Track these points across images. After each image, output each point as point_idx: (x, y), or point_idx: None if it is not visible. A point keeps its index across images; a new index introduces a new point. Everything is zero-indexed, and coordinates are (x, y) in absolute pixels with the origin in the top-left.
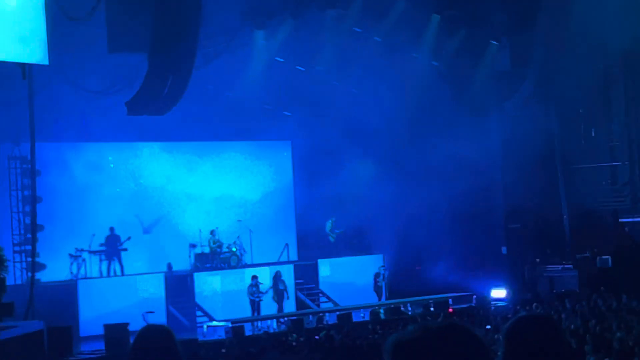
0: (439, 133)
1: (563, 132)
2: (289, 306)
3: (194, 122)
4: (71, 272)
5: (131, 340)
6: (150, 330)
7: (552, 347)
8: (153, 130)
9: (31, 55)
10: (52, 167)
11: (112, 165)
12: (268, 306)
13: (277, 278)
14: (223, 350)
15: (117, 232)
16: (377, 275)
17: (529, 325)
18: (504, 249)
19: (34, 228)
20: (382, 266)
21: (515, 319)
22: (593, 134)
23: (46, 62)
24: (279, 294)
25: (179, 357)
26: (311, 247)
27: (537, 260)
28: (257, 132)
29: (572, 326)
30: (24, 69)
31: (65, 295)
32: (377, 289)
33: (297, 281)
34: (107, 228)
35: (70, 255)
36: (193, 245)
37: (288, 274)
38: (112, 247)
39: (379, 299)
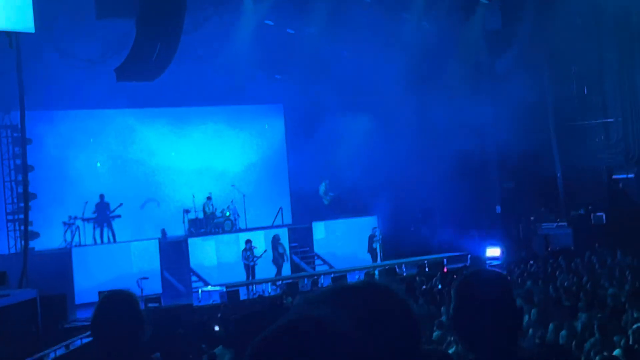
0: (431, 93)
1: (556, 90)
2: (284, 270)
3: (183, 88)
4: (65, 240)
5: None
6: (114, 295)
7: (500, 304)
8: (143, 97)
9: (17, 23)
10: (43, 135)
11: (91, 140)
12: (265, 270)
13: (275, 242)
14: (219, 315)
15: (107, 199)
16: (371, 236)
17: (479, 281)
18: (498, 208)
19: (27, 197)
20: (376, 227)
21: (466, 273)
22: (586, 92)
23: (32, 30)
24: (278, 258)
25: (142, 322)
26: (305, 210)
27: (532, 218)
28: (249, 96)
29: (566, 283)
30: (10, 38)
31: (60, 263)
32: (372, 251)
33: (292, 244)
34: (98, 195)
35: (64, 223)
36: (187, 211)
37: (283, 238)
38: (103, 215)
39: (374, 261)
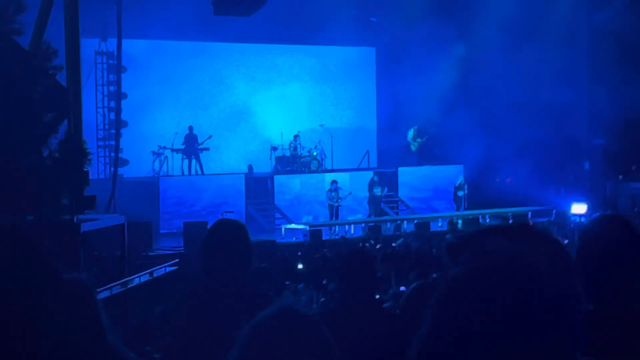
0: (524, 41)
1: None
2: (367, 212)
3: (279, 25)
4: (153, 169)
5: None
6: (225, 223)
7: (627, 246)
8: (238, 32)
9: None
10: (138, 63)
11: (185, 72)
12: (350, 211)
13: (372, 183)
14: (299, 253)
15: (195, 131)
16: (457, 185)
17: (604, 224)
18: (586, 165)
19: (118, 124)
20: (463, 176)
21: (593, 217)
22: None
23: None
24: (374, 200)
25: (251, 248)
26: (392, 155)
27: (620, 177)
28: (342, 37)
29: None
30: None
31: (147, 191)
32: (457, 200)
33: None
34: (187, 127)
35: (153, 153)
36: (274, 148)
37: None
38: (191, 146)
39: (457, 210)
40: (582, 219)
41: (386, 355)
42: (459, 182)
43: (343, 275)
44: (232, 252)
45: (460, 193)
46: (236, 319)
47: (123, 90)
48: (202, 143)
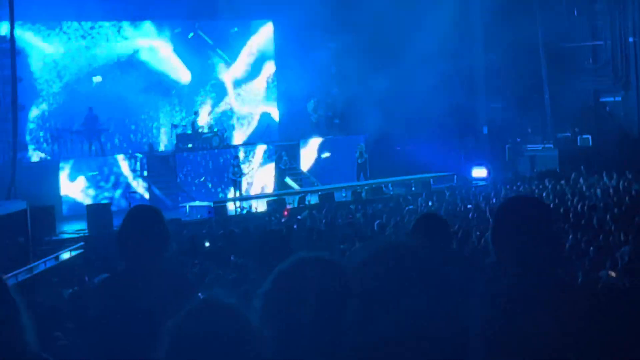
0: (419, 12)
1: (545, 12)
2: (270, 186)
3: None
4: (52, 152)
5: (114, 221)
6: (140, 210)
7: (541, 228)
8: (134, 10)
9: None
10: (32, 47)
11: (80, 53)
12: (255, 185)
13: (274, 156)
14: (204, 232)
15: (95, 112)
16: (357, 155)
17: (519, 205)
18: (485, 129)
19: (15, 108)
20: (362, 145)
21: (507, 198)
22: (575, 14)
23: None
24: (278, 173)
25: (168, 235)
26: (294, 127)
27: (518, 140)
28: (241, 11)
29: (552, 205)
30: None
31: (47, 175)
32: (358, 169)
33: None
34: (86, 108)
35: (52, 135)
36: (175, 126)
37: (270, 155)
38: (91, 127)
39: (358, 179)
40: (484, 183)
41: None
42: (358, 151)
43: (261, 257)
44: (150, 237)
45: (361, 161)
46: (158, 302)
47: (18, 74)
48: (102, 124)
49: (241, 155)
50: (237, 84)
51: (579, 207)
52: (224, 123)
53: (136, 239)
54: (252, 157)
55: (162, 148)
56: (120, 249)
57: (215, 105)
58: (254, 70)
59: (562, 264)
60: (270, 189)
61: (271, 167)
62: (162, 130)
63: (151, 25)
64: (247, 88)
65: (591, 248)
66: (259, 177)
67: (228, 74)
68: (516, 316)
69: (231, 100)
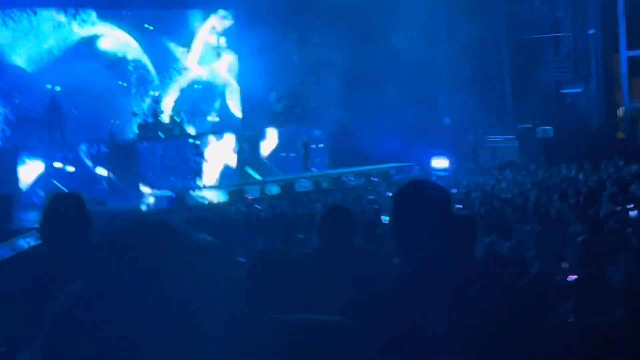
0: (381, 3)
1: (507, 3)
2: (231, 176)
3: None
4: (12, 139)
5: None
6: (61, 197)
7: (437, 210)
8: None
9: None
10: None
11: (31, 40)
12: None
13: (236, 145)
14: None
15: (58, 99)
16: (303, 144)
17: (417, 188)
18: (447, 119)
19: None
20: (304, 136)
21: (406, 182)
22: (537, 5)
23: None
24: (240, 162)
25: (90, 223)
26: (256, 117)
27: (480, 131)
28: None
29: (511, 195)
30: None
31: (5, 162)
32: (305, 157)
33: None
34: (48, 96)
35: (12, 122)
36: (135, 114)
37: (232, 145)
38: (53, 116)
39: (303, 169)
40: (445, 174)
41: None
42: (302, 142)
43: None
44: (71, 225)
45: (302, 152)
46: None
47: None
48: (64, 110)
49: (205, 145)
50: (198, 73)
51: (538, 197)
52: (185, 112)
53: (57, 228)
54: (214, 147)
55: (123, 137)
56: (42, 237)
57: (177, 94)
58: (213, 59)
59: (460, 250)
60: (231, 179)
61: (233, 157)
62: (122, 119)
63: (110, 13)
64: (209, 77)
65: (549, 239)
66: (220, 167)
67: (188, 62)
68: (406, 307)
69: (192, 89)
